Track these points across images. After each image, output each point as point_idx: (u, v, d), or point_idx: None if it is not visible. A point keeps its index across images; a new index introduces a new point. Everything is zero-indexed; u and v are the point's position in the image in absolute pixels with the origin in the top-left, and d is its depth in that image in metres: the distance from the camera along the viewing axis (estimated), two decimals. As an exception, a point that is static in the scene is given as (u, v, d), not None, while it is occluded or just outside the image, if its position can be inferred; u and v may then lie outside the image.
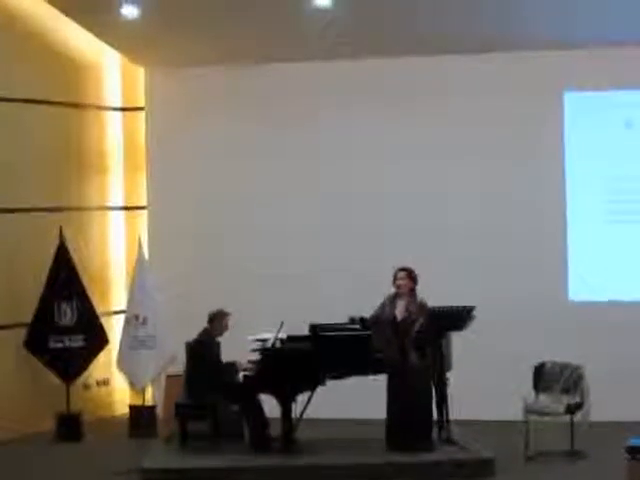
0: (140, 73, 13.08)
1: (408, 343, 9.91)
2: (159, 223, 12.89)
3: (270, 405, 10.08)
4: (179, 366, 11.09)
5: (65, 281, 11.79)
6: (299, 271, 12.42)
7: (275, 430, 10.06)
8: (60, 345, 11.76)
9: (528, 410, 10.29)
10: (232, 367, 10.26)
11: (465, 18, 11.55)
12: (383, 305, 10.12)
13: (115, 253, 13.04)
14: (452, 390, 10.23)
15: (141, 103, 13.09)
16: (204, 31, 11.93)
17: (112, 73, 13.05)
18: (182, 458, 10.00)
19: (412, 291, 10.09)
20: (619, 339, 11.77)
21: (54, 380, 11.82)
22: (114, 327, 12.63)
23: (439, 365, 10.14)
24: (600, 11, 11.27)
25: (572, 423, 10.17)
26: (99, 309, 12.27)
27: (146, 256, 12.39)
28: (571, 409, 10.17)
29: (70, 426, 11.67)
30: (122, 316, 12.40)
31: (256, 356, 10.20)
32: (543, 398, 10.40)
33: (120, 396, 12.87)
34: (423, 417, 9.94)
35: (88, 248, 12.64)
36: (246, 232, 12.68)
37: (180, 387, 10.64)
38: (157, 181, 12.96)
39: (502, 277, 12.14)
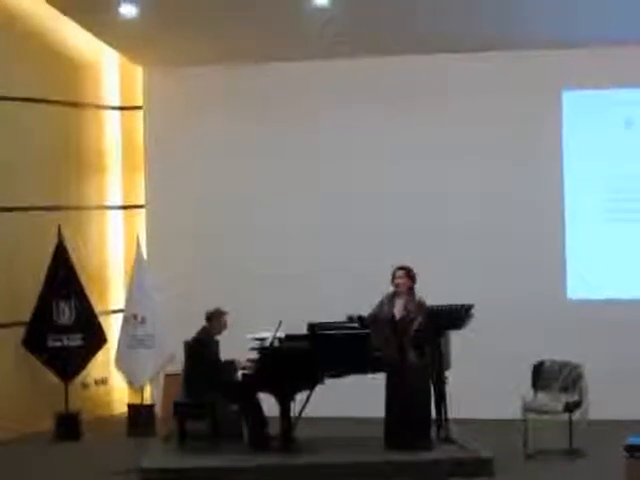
0: (138, 72, 13.09)
1: (407, 342, 9.91)
2: (158, 222, 12.89)
3: (269, 404, 10.08)
4: (178, 365, 11.10)
5: (64, 280, 11.79)
6: (299, 271, 12.41)
7: (274, 429, 10.06)
8: (58, 344, 11.75)
9: (527, 409, 10.28)
10: (231, 366, 10.26)
11: (464, 17, 11.54)
12: (382, 304, 10.12)
13: (113, 252, 13.04)
14: (451, 389, 10.22)
15: (139, 102, 13.09)
16: (203, 30, 11.93)
17: (110, 72, 13.05)
18: (181, 457, 10.00)
19: (411, 290, 10.09)
20: (618, 337, 11.76)
21: (52, 379, 11.82)
22: (112, 326, 12.62)
23: (438, 364, 10.12)
24: (600, 10, 11.27)
25: (571, 421, 10.17)
26: (97, 308, 12.26)
27: (145, 255, 12.39)
28: (570, 407, 10.17)
29: (69, 425, 11.66)
30: (120, 315, 12.40)
31: (255, 355, 10.20)
32: (542, 396, 10.40)
33: (119, 395, 12.87)
34: (422, 416, 9.93)
35: (87, 247, 12.64)
36: (246, 232, 12.68)
37: (179, 386, 10.63)
38: (155, 180, 12.95)
39: (501, 276, 12.13)
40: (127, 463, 10.08)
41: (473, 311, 10.10)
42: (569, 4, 11.26)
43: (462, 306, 10.09)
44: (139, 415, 11.87)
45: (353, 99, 12.49)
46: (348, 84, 12.46)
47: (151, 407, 12.01)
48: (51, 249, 11.76)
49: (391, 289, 10.14)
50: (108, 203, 13.03)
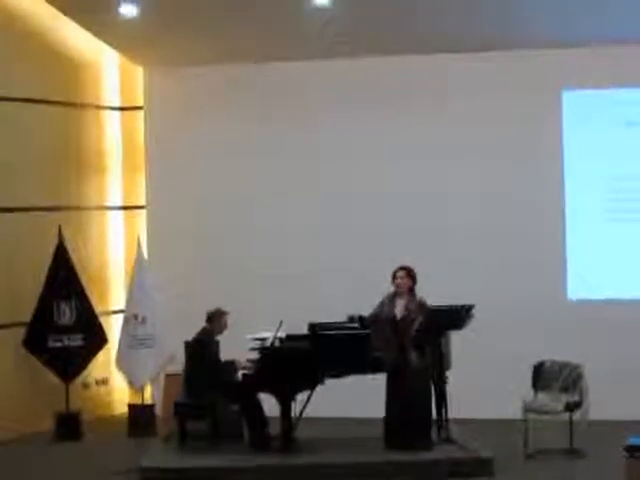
0: (139, 72, 13.09)
1: (407, 342, 9.90)
2: (158, 223, 12.89)
3: (269, 404, 10.08)
4: (178, 365, 11.09)
5: (64, 280, 11.79)
6: (299, 271, 12.41)
7: (274, 429, 10.06)
8: (59, 344, 11.76)
9: (527, 409, 10.28)
10: (231, 366, 10.25)
11: (464, 17, 11.54)
12: (382, 304, 10.12)
13: (114, 252, 13.04)
14: (451, 389, 10.22)
15: (140, 102, 13.09)
16: (203, 30, 11.93)
17: (111, 72, 13.05)
18: (181, 457, 10.00)
19: (411, 290, 10.09)
20: (618, 337, 11.76)
21: (53, 379, 11.82)
22: (113, 326, 12.63)
23: (438, 364, 10.12)
24: (600, 10, 11.26)
25: (571, 421, 10.18)
26: (98, 308, 12.27)
27: (145, 255, 12.39)
28: (570, 407, 10.17)
29: (69, 425, 11.66)
30: (121, 315, 12.40)
31: (255, 355, 10.20)
32: (542, 397, 10.39)
33: (119, 395, 12.88)
34: (422, 416, 9.93)
35: (87, 247, 12.65)
36: (246, 232, 12.67)
37: (179, 386, 10.63)
38: (156, 180, 12.96)
39: (501, 276, 12.13)
40: (127, 463, 10.08)
41: (473, 311, 10.11)
42: (569, 4, 11.26)
43: (462, 306, 10.09)
44: (139, 415, 11.87)
45: (353, 99, 12.48)
46: (348, 84, 12.46)
47: (151, 407, 12.02)
48: (51, 249, 11.76)
49: (392, 289, 10.15)
50: (108, 203, 13.03)
